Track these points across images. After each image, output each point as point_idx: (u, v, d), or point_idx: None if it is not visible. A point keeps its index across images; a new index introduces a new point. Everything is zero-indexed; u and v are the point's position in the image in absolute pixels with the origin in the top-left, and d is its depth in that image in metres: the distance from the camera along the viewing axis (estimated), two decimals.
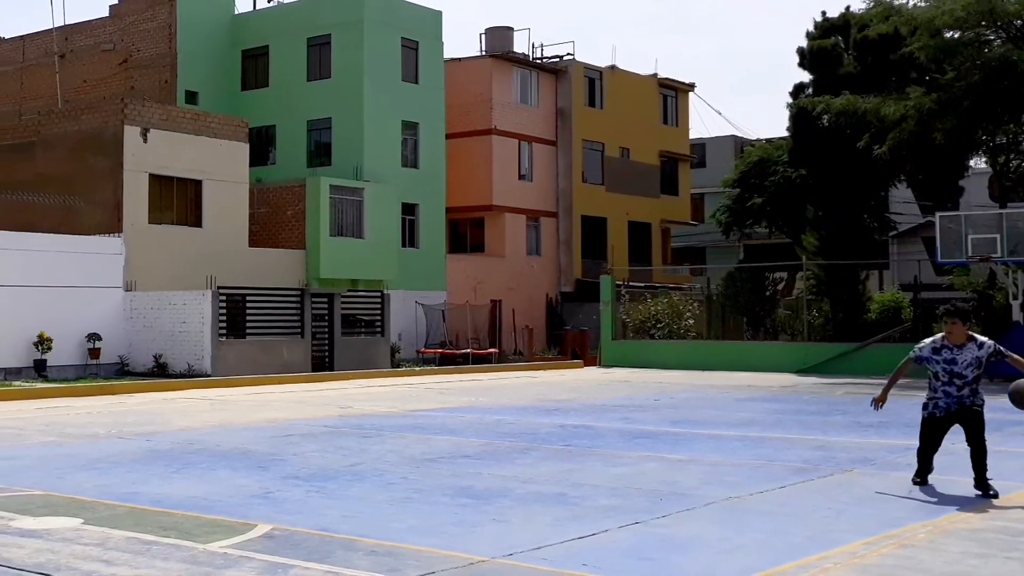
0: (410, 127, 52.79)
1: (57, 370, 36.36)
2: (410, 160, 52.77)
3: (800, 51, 47.09)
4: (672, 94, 70.31)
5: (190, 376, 36.56)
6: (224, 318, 38.56)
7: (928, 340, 14.11)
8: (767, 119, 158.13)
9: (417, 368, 44.41)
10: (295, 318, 41.19)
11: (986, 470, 13.52)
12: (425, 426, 22.36)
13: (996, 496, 13.12)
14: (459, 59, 59.22)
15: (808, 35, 47.25)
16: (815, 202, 45.65)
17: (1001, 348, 13.92)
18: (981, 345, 13.74)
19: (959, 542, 10.73)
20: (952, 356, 13.68)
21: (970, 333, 13.88)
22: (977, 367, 13.67)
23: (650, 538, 10.89)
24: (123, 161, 40.66)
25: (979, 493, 13.31)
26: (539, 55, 63.71)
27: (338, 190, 47.84)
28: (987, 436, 13.41)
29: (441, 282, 53.80)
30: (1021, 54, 37.72)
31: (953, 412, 13.77)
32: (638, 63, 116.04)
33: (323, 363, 41.76)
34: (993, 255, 36.48)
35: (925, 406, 14.04)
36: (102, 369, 37.91)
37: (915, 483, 14.05)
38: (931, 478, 14.22)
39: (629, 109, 65.86)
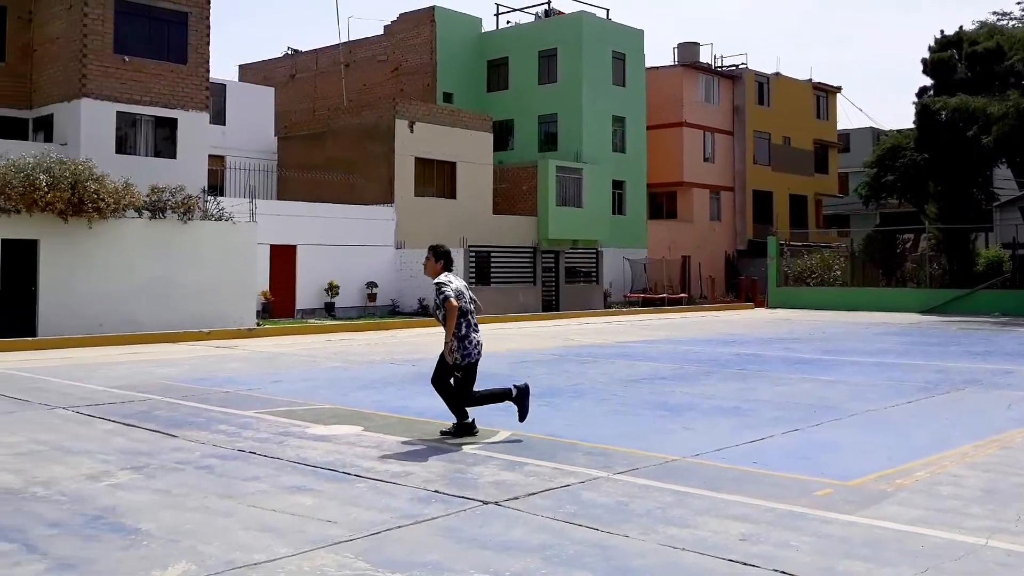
0: (618, 120, 52.76)
1: (342, 311, 37.26)
2: (618, 146, 52.68)
3: (923, 61, 46.93)
4: (823, 95, 69.94)
5: None
6: (473, 269, 39.00)
7: None
8: (898, 114, 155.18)
9: (624, 309, 44.35)
10: (529, 270, 41.62)
11: None
12: (630, 354, 22.18)
13: None
14: (657, 67, 59.22)
15: (930, 49, 47.11)
16: (935, 179, 45.52)
17: None
18: None
19: None
20: None
21: None
22: None
23: (805, 442, 10.90)
24: (394, 147, 41.40)
25: None
26: (719, 65, 63.71)
27: (563, 170, 47.95)
28: None
29: (643, 241, 53.81)
30: None
31: None
32: (797, 70, 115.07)
33: (551, 305, 42.16)
34: None
35: None
36: (378, 310, 38.66)
37: None
38: (1021, 395, 14.29)
39: (790, 106, 65.81)
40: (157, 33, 33.28)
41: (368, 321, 33.92)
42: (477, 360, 11.16)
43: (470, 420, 11.32)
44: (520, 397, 11.30)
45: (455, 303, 10.72)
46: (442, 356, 11.14)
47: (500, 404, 11.57)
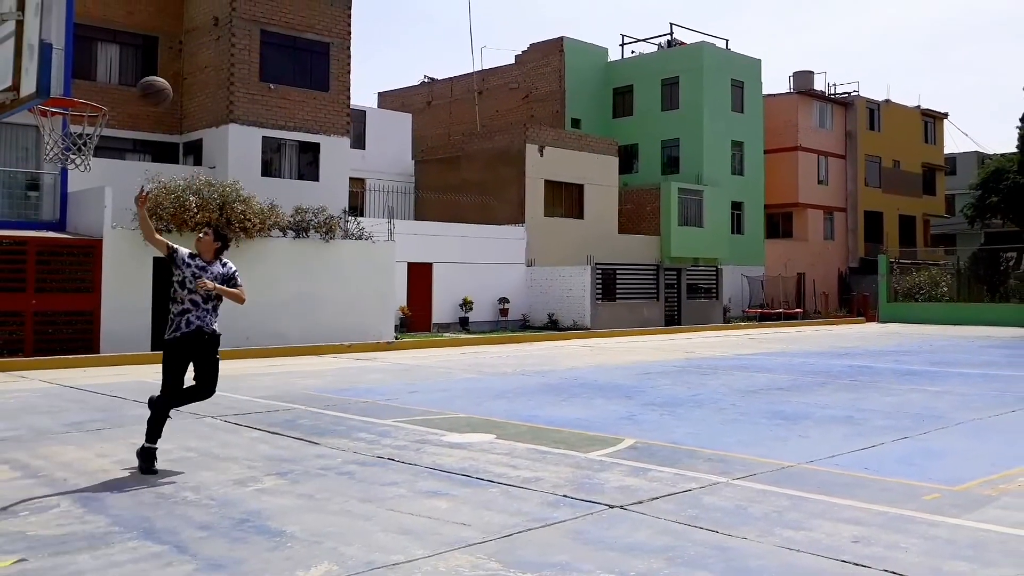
0: (737, 145, 52.60)
1: (476, 325, 36.98)
2: (737, 169, 52.55)
3: None
4: (931, 120, 69.63)
5: (574, 329, 36.67)
6: (600, 286, 38.61)
7: None
8: (1002, 138, 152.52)
9: (742, 323, 43.66)
10: (652, 286, 41.04)
11: None
12: (748, 366, 21.98)
13: None
14: (774, 95, 58.98)
15: None
16: None
17: None
18: None
19: None
20: None
21: None
22: None
23: (914, 449, 10.86)
24: (525, 170, 41.20)
25: None
26: (832, 92, 63.35)
27: (684, 192, 47.96)
28: None
29: (760, 259, 53.58)
30: None
31: None
32: (905, 97, 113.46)
33: (673, 319, 41.63)
34: None
35: None
36: (509, 324, 38.36)
37: None
38: None
39: (899, 132, 65.36)
40: (300, 62, 33.43)
41: (500, 335, 33.57)
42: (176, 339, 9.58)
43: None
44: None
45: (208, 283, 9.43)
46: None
47: (621, 413, 11.02)
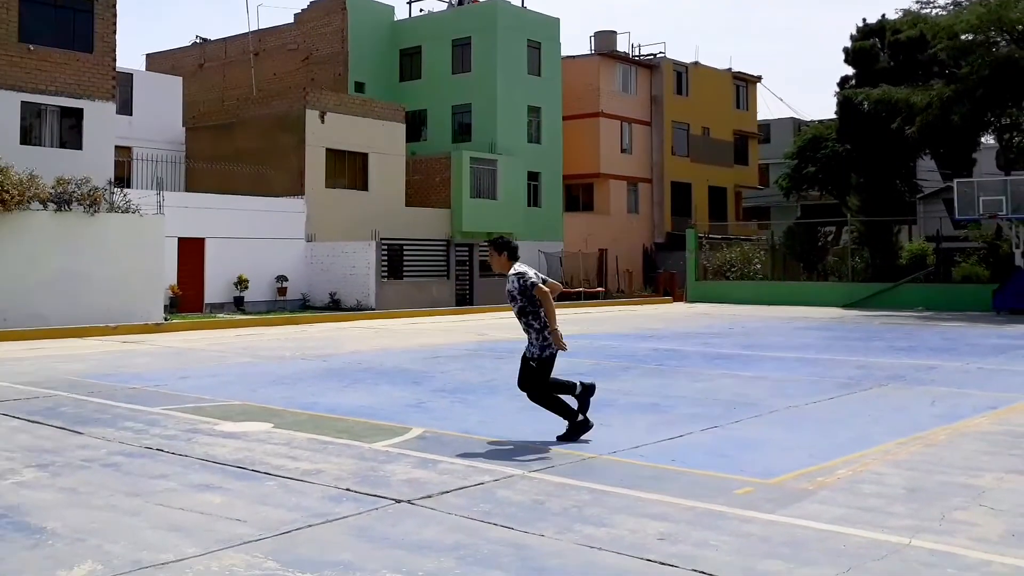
0: (534, 111, 52.64)
1: (252, 305, 36.82)
2: (534, 137, 52.55)
3: (845, 51, 47.23)
4: (743, 84, 69.72)
5: (358, 310, 36.83)
6: (385, 263, 38.69)
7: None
8: (819, 104, 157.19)
9: None
10: (442, 263, 41.37)
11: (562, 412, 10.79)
12: None
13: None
14: (573, 56, 58.90)
15: (851, 37, 47.48)
16: (858, 171, 45.82)
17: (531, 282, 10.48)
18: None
19: (973, 442, 10.57)
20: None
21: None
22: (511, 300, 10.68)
23: (725, 439, 10.81)
24: (305, 138, 41.08)
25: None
26: (637, 53, 63.32)
27: (477, 161, 47.96)
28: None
29: (559, 234, 53.69)
30: (1023, 53, 38.07)
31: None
32: (715, 60, 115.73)
33: (465, 299, 42.01)
34: (1000, 213, 36.61)
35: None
36: (288, 304, 38.30)
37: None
38: (945, 391, 14.22)
39: (709, 96, 65.49)
40: (63, 21, 32.52)
41: (278, 316, 33.58)
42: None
43: (581, 418, 10.69)
44: (584, 394, 10.87)
45: (544, 287, 10.45)
46: (525, 358, 10.64)
47: (409, 400, 11.21)
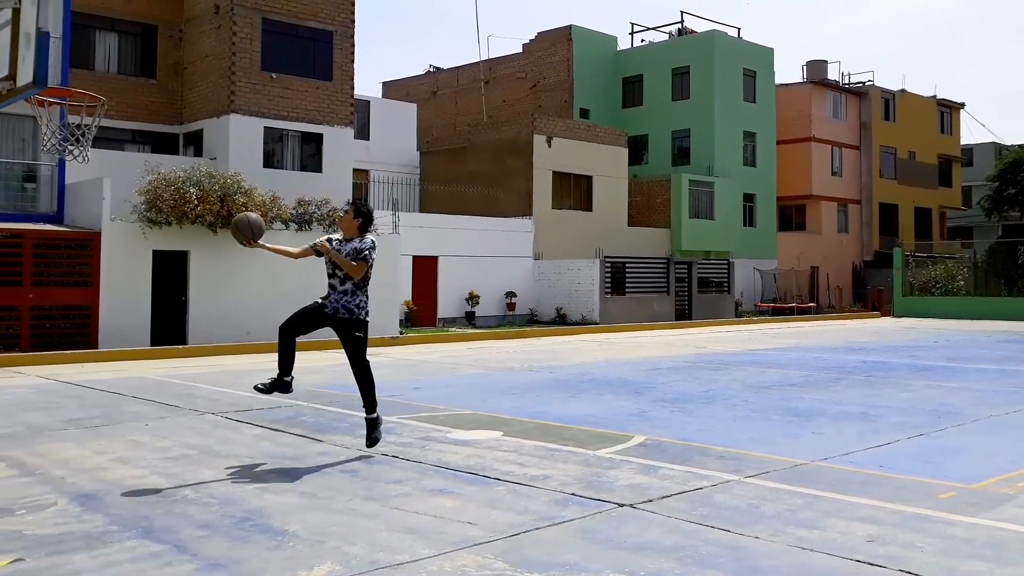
0: (749, 136, 52.71)
1: (482, 319, 37.03)
2: (749, 160, 52.67)
3: None
4: (947, 110, 69.85)
5: (583, 324, 36.67)
6: (609, 279, 38.59)
7: None
8: (1020, 129, 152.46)
9: (754, 318, 43.62)
10: (662, 280, 41.04)
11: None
12: (761, 361, 21.94)
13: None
14: (786, 84, 59.05)
15: None
16: None
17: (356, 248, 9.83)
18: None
19: None
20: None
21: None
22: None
23: (930, 446, 10.81)
24: (533, 161, 41.25)
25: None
26: (847, 81, 63.38)
27: (695, 183, 48.11)
28: None
29: (773, 252, 53.68)
30: None
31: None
32: (921, 87, 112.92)
33: (683, 314, 41.62)
34: None
35: None
36: (516, 319, 38.38)
37: None
38: None
39: (915, 122, 65.52)
40: (303, 51, 33.41)
41: (507, 329, 33.56)
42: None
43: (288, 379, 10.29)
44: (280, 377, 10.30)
45: (366, 264, 9.85)
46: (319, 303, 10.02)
47: (631, 409, 10.91)
